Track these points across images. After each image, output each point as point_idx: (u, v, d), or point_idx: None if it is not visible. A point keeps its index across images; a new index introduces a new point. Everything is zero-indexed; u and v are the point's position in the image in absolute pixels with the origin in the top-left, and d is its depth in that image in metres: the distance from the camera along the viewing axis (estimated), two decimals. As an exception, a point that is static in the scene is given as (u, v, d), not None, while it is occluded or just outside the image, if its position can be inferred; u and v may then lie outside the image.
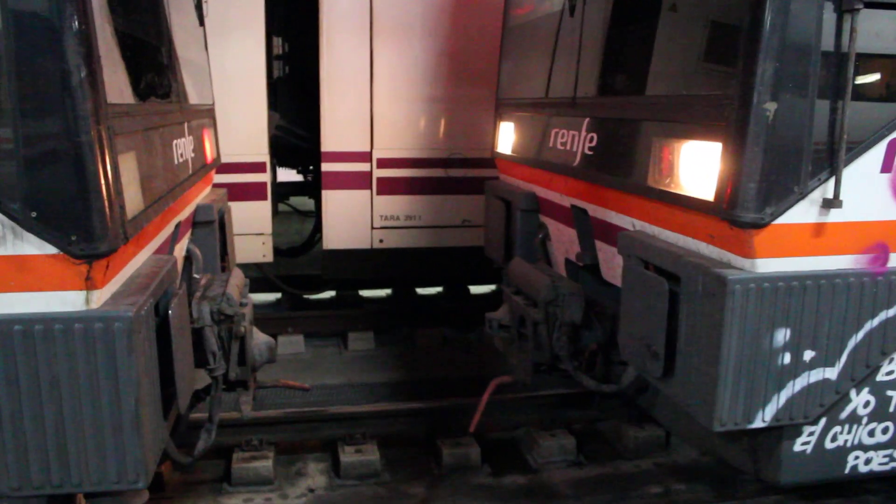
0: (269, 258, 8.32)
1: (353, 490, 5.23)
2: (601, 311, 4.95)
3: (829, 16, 3.13)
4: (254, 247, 8.12)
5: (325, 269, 8.52)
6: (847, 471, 3.80)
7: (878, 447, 3.80)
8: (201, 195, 5.22)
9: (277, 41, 10.67)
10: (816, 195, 3.25)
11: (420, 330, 8.42)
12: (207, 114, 5.56)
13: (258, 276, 8.79)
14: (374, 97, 8.15)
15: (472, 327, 8.47)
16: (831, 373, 3.48)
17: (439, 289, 9.94)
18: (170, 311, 3.41)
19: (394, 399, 6.69)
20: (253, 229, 8.06)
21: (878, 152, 3.34)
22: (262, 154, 8.04)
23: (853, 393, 3.64)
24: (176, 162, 4.16)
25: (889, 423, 3.77)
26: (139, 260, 3.41)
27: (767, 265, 3.27)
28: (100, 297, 2.89)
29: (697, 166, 3.49)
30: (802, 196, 3.22)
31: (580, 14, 5.01)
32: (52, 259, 2.76)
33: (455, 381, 7.10)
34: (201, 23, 5.87)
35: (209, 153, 5.45)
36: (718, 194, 3.30)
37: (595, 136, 4.59)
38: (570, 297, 4.89)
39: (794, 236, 3.27)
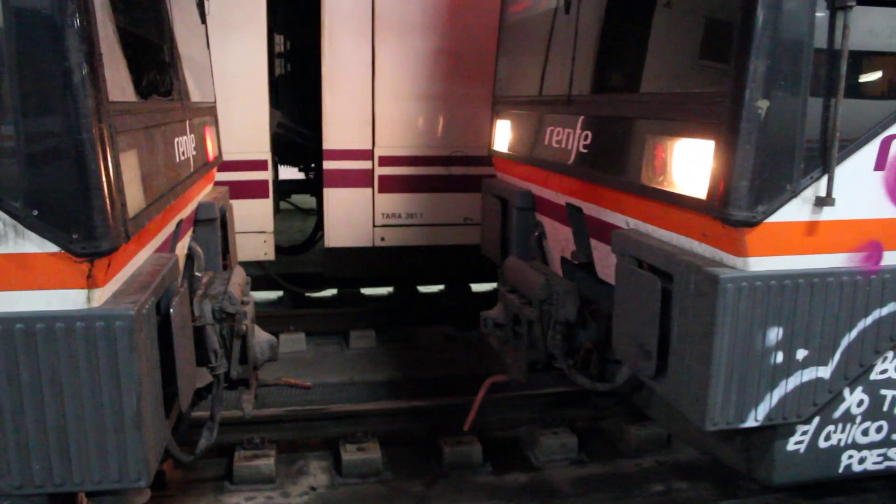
0: (271, 256, 8.33)
1: (354, 488, 5.24)
2: (596, 309, 4.95)
3: (822, 13, 3.13)
4: (255, 245, 8.13)
5: (326, 267, 8.53)
6: (841, 470, 3.79)
7: (871, 446, 3.79)
8: (203, 193, 5.23)
9: (279, 39, 10.67)
10: (809, 193, 3.24)
11: (422, 328, 8.43)
12: (209, 112, 5.57)
13: (260, 275, 8.82)
14: (376, 94, 8.15)
15: (474, 325, 8.36)
16: (824, 372, 3.47)
17: (441, 287, 9.95)
18: (171, 310, 3.41)
19: (395, 397, 6.70)
20: (254, 227, 8.09)
21: (871, 150, 3.33)
22: (263, 152, 8.05)
23: (847, 392, 3.64)
24: (177, 160, 4.16)
25: (883, 422, 3.76)
26: (141, 258, 3.41)
27: (760, 264, 3.27)
28: (101, 296, 2.89)
29: (690, 164, 3.49)
30: (795, 194, 3.21)
31: (575, 11, 5.00)
32: (54, 257, 2.76)
33: (457, 380, 7.10)
34: (203, 20, 5.88)
35: (211, 151, 5.46)
36: (711, 192, 3.30)
37: (589, 133, 4.58)
38: (564, 296, 4.88)
39: (786, 235, 3.26)
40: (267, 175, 8.11)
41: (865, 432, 3.76)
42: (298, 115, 9.78)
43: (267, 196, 8.15)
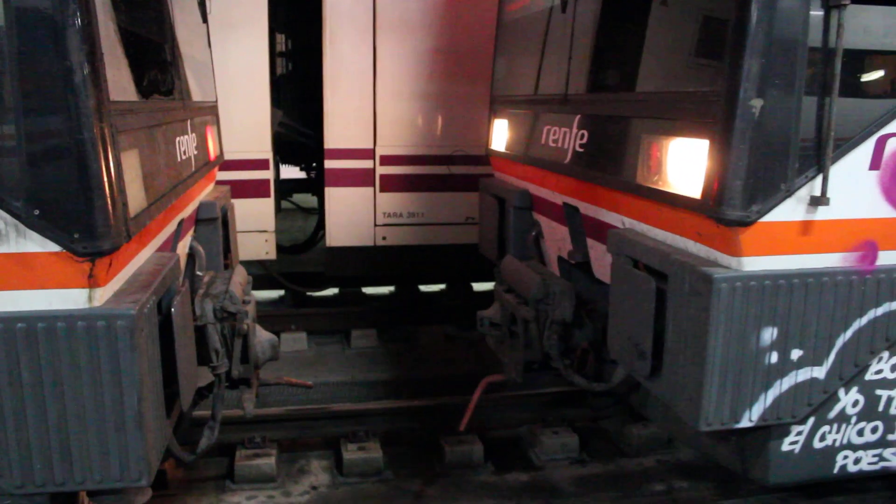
0: (272, 255, 8.34)
1: (355, 487, 5.25)
2: (593, 309, 4.94)
3: (816, 11, 3.12)
4: (257, 244, 8.15)
5: (328, 266, 8.54)
6: (836, 470, 3.77)
7: (867, 447, 3.77)
8: (204, 192, 5.24)
9: (280, 38, 10.67)
10: (804, 193, 3.23)
11: (423, 327, 8.46)
12: (210, 111, 5.58)
13: (261, 274, 8.84)
14: (378, 94, 8.15)
15: (475, 325, 8.47)
16: (819, 372, 3.46)
17: (442, 286, 9.94)
18: (172, 309, 3.41)
19: (396, 396, 6.72)
20: (256, 226, 8.10)
21: (866, 149, 3.31)
22: (265, 151, 8.07)
23: (842, 392, 3.62)
24: (179, 159, 4.16)
25: (878, 423, 3.74)
26: (142, 257, 3.42)
27: (754, 263, 3.26)
28: (102, 295, 2.89)
29: (685, 163, 3.49)
30: (789, 193, 3.20)
31: (572, 10, 5.00)
32: (55, 257, 2.76)
33: (458, 379, 7.12)
34: (204, 20, 5.89)
35: (212, 150, 5.47)
36: (705, 192, 3.29)
37: (586, 133, 4.58)
38: (560, 296, 4.88)
39: (781, 234, 3.25)
40: (268, 174, 8.12)
41: (861, 433, 3.74)
42: (300, 114, 9.80)
43: (268, 195, 8.16)
